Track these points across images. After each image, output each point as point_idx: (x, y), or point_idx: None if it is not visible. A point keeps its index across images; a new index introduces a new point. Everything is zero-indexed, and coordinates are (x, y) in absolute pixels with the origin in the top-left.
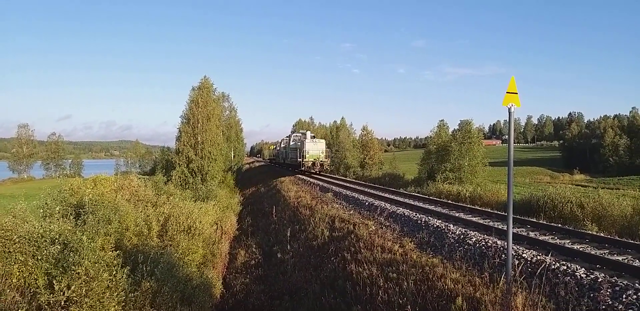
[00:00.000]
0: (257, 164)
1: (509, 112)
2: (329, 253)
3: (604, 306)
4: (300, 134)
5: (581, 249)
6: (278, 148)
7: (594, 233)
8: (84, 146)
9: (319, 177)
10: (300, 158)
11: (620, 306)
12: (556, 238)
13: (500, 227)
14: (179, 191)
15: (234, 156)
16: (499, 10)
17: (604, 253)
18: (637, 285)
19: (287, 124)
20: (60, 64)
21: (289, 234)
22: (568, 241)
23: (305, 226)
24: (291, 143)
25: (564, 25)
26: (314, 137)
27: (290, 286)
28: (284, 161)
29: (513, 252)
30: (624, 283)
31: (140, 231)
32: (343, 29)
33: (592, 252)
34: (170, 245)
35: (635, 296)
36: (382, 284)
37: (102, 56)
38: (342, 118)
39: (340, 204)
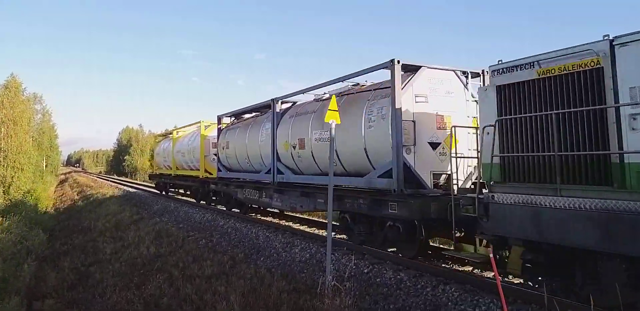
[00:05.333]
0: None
1: (331, 128)
2: (154, 269)
3: (407, 303)
4: None
5: (391, 252)
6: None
7: None
8: None
9: (150, 190)
10: None
11: (420, 302)
12: None
13: (323, 234)
14: None
15: (46, 166)
16: (336, 29)
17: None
18: (434, 282)
19: (116, 130)
20: None
21: (109, 252)
22: None
23: (129, 242)
24: None
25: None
26: None
27: (109, 309)
28: None
29: (333, 257)
30: (424, 282)
31: None
32: (184, 35)
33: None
34: None
35: (432, 293)
36: (209, 298)
37: None
38: (175, 127)
39: (169, 217)
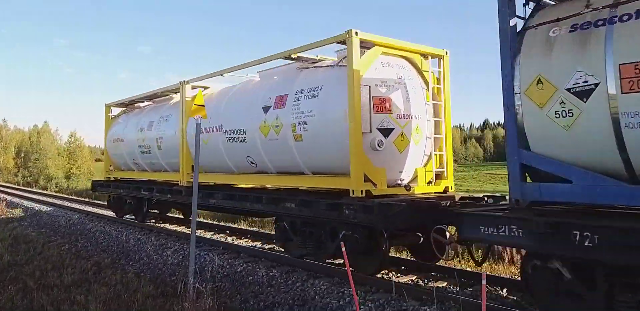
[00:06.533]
0: None
1: (197, 124)
2: (7, 280)
3: (277, 299)
4: None
5: (267, 249)
6: None
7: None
8: None
9: (11, 192)
10: None
11: (289, 297)
12: (250, 241)
13: (202, 235)
14: None
15: None
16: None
17: (284, 252)
18: (304, 277)
19: None
20: None
21: None
22: (259, 242)
23: None
24: None
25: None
26: None
27: None
28: None
29: (207, 258)
30: (295, 277)
31: None
32: (58, 22)
33: (276, 252)
34: None
35: (302, 288)
36: (67, 309)
37: None
38: (45, 122)
39: (30, 221)
